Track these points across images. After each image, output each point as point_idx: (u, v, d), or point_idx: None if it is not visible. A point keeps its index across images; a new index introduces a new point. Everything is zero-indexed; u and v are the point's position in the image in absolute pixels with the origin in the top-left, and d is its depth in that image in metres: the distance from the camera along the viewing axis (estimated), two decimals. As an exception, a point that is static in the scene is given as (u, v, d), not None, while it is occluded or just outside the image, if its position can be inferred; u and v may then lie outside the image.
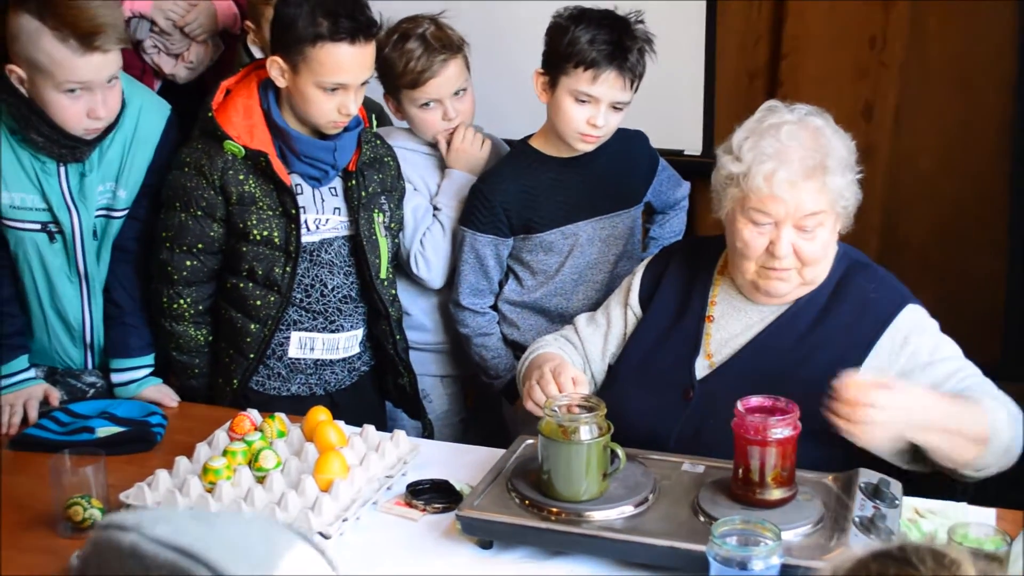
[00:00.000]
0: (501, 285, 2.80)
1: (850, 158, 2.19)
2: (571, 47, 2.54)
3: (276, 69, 2.44)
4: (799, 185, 2.11)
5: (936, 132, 3.84)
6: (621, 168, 2.76)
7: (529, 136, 2.76)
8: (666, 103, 3.58)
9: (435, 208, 2.82)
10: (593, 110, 2.57)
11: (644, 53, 2.59)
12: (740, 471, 1.93)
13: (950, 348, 2.19)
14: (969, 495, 2.31)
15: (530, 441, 2.19)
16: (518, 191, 2.69)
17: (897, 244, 3.95)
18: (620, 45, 2.54)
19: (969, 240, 3.96)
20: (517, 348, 2.75)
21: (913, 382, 2.10)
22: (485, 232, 2.70)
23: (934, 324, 2.22)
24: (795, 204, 2.12)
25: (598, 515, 1.94)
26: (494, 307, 2.81)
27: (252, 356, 2.57)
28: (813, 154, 2.13)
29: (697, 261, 2.40)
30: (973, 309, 4.00)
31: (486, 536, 1.99)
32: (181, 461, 2.19)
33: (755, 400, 1.96)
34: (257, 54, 3.11)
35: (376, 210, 2.63)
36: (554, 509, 1.95)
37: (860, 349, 2.18)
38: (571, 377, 2.16)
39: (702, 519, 1.91)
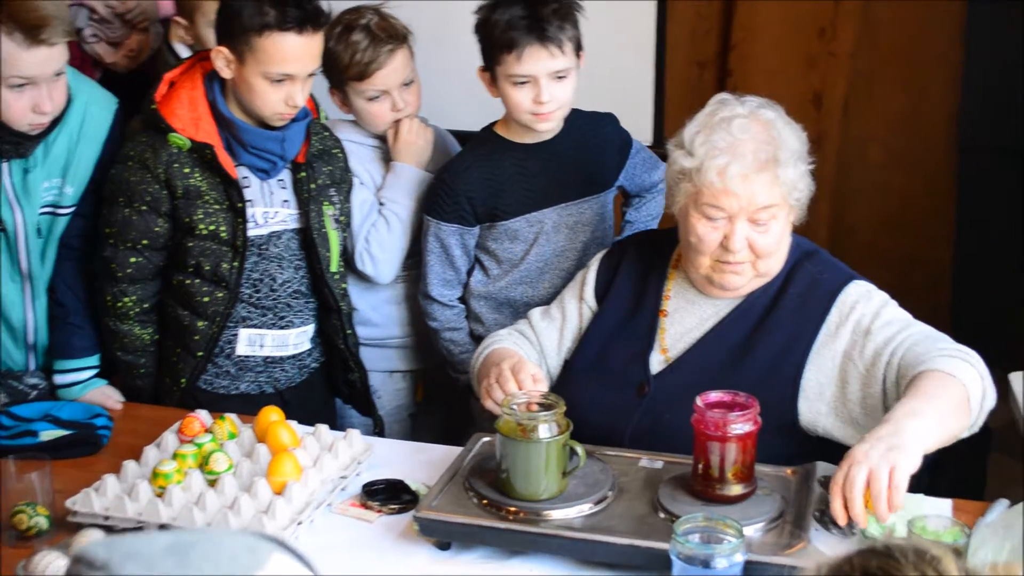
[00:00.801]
0: (469, 275, 2.76)
1: (802, 149, 2.18)
2: (492, 34, 2.52)
3: (221, 60, 2.38)
4: (752, 178, 2.10)
5: (885, 122, 3.86)
6: (589, 152, 2.71)
7: (493, 123, 2.72)
8: (616, 93, 3.56)
9: (380, 203, 2.78)
10: (534, 88, 2.52)
11: (566, 16, 2.52)
12: (700, 467, 1.92)
13: (893, 313, 2.17)
14: (924, 485, 2.32)
15: (486, 439, 2.16)
16: (482, 179, 2.64)
17: (845, 233, 3.97)
18: (534, 16, 2.49)
19: (917, 230, 3.99)
20: (483, 344, 2.71)
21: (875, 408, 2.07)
22: (449, 221, 2.65)
23: (882, 295, 2.21)
24: (748, 198, 2.11)
25: (557, 514, 1.91)
26: (462, 299, 2.77)
27: (200, 354, 2.51)
28: (765, 147, 2.11)
29: (651, 255, 2.38)
30: (921, 299, 4.02)
31: (444, 537, 1.96)
32: (129, 465, 2.13)
33: (714, 395, 1.94)
34: (184, 52, 3.04)
35: (326, 202, 2.58)
36: (512, 508, 1.92)
37: (811, 327, 2.18)
38: (531, 375, 2.13)
39: (662, 516, 1.90)
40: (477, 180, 2.64)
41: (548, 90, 2.52)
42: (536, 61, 2.50)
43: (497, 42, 2.50)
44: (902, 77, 3.80)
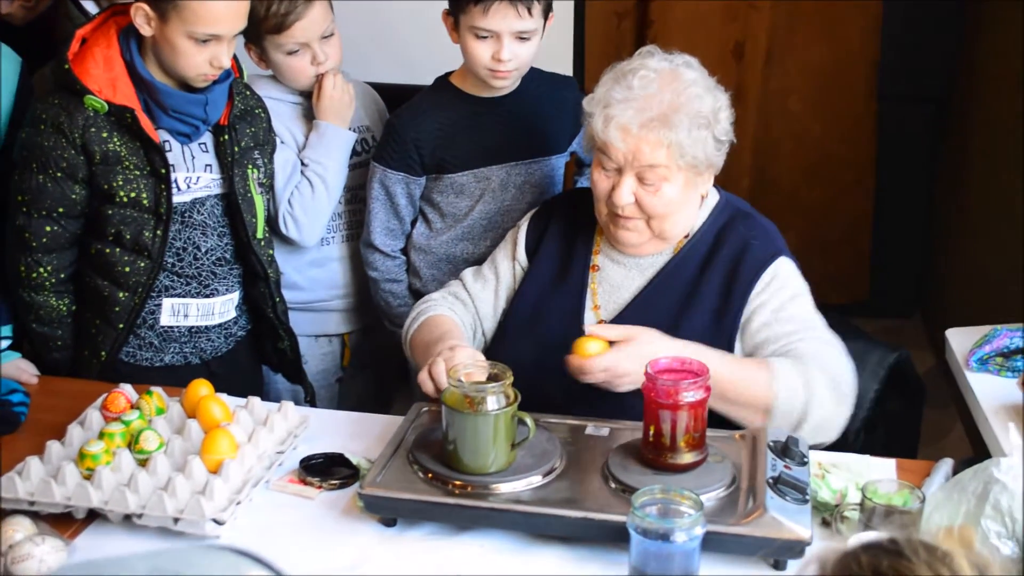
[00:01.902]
0: (412, 226, 2.68)
1: (711, 116, 2.11)
2: None
3: (142, 16, 2.25)
4: (633, 134, 2.08)
5: (805, 74, 3.88)
6: (544, 114, 2.64)
7: (449, 73, 2.64)
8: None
9: (303, 163, 2.68)
10: (495, 44, 2.46)
11: None
12: (651, 435, 1.88)
13: (798, 310, 2.15)
14: (860, 441, 2.33)
15: (427, 408, 2.10)
16: (433, 129, 2.57)
17: (767, 184, 3.99)
18: None
19: (837, 181, 4.02)
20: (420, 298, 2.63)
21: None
22: (396, 169, 2.58)
23: (797, 284, 2.19)
24: (631, 152, 2.09)
25: (506, 487, 1.87)
26: (404, 251, 2.70)
27: (121, 326, 2.40)
28: (657, 105, 2.08)
29: (580, 212, 2.34)
30: (842, 248, 4.08)
31: (390, 513, 1.90)
32: (53, 446, 2.03)
33: (664, 362, 1.91)
34: (90, 5, 2.89)
35: (250, 166, 2.48)
36: (460, 483, 1.87)
37: (738, 297, 2.17)
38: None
39: (613, 486, 1.86)
40: (428, 129, 2.57)
41: (510, 48, 2.46)
42: (502, 18, 2.43)
43: None
44: (822, 28, 3.80)
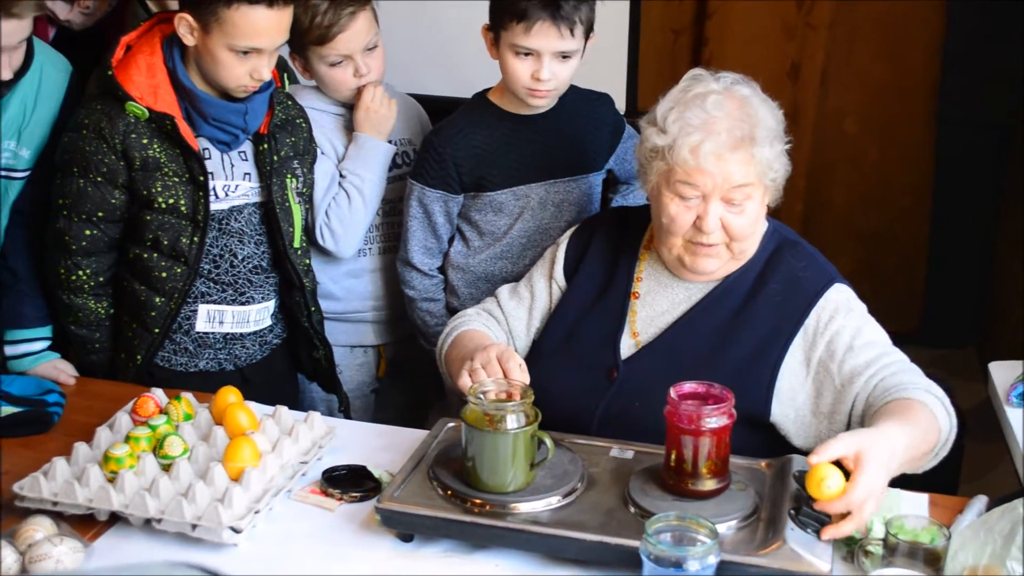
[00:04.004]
0: (449, 244, 2.68)
1: (778, 128, 2.11)
2: (505, 0, 2.43)
3: (184, 27, 2.28)
4: (726, 157, 2.03)
5: (862, 95, 3.82)
6: (582, 131, 2.63)
7: (487, 90, 2.63)
8: (589, 59, 3.47)
9: (341, 175, 2.69)
10: (536, 63, 2.45)
11: None
12: (672, 460, 1.85)
13: (874, 332, 2.11)
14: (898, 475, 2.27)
15: (452, 424, 2.09)
16: (471, 146, 2.56)
17: (820, 207, 3.93)
18: None
19: (893, 205, 3.95)
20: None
21: (847, 395, 2.03)
22: (434, 187, 2.58)
23: (861, 306, 2.15)
24: (723, 176, 2.04)
25: (524, 507, 1.85)
26: (441, 269, 2.69)
27: (157, 331, 2.42)
28: (740, 124, 2.05)
29: (622, 234, 2.31)
30: (895, 275, 4.01)
31: (407, 529, 1.89)
32: (80, 447, 2.05)
33: (688, 386, 1.88)
34: (155, 8, 2.93)
35: (289, 175, 2.49)
36: (478, 501, 1.86)
37: (788, 328, 2.12)
38: (518, 364, 2.03)
39: (633, 511, 1.84)
40: (466, 147, 2.56)
41: (549, 68, 2.45)
42: (544, 38, 2.42)
43: (509, 7, 2.42)
44: (881, 47, 3.74)
